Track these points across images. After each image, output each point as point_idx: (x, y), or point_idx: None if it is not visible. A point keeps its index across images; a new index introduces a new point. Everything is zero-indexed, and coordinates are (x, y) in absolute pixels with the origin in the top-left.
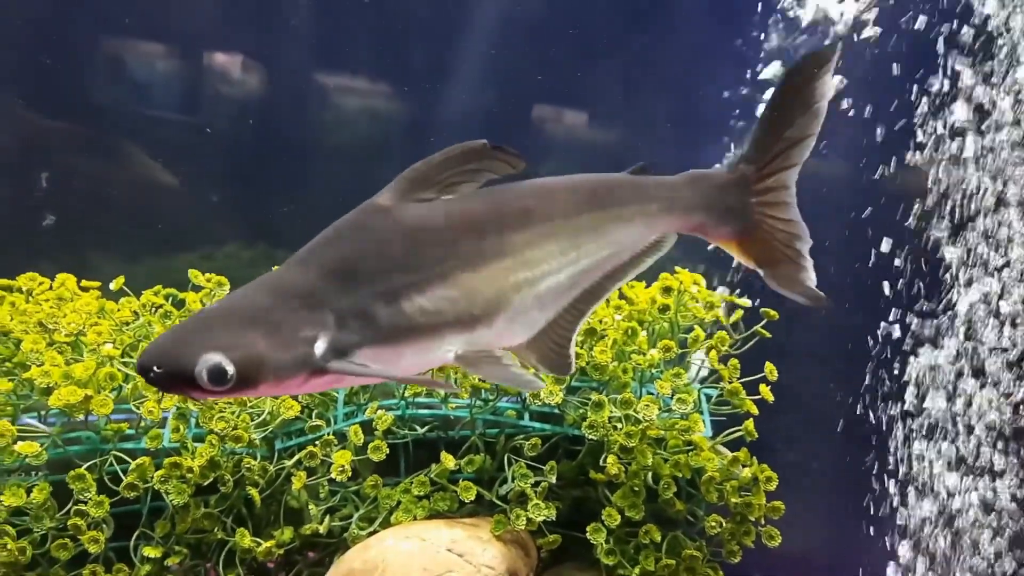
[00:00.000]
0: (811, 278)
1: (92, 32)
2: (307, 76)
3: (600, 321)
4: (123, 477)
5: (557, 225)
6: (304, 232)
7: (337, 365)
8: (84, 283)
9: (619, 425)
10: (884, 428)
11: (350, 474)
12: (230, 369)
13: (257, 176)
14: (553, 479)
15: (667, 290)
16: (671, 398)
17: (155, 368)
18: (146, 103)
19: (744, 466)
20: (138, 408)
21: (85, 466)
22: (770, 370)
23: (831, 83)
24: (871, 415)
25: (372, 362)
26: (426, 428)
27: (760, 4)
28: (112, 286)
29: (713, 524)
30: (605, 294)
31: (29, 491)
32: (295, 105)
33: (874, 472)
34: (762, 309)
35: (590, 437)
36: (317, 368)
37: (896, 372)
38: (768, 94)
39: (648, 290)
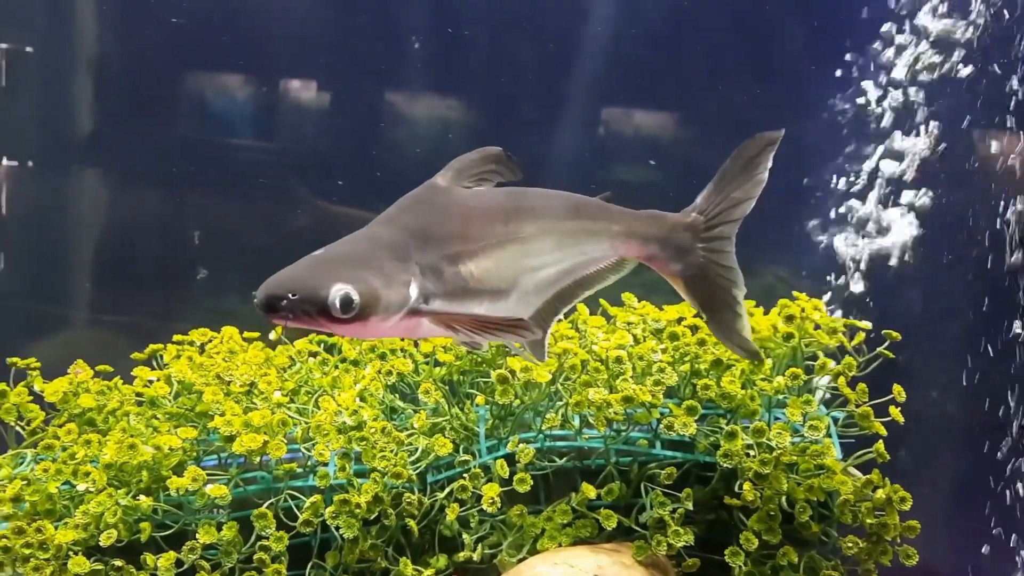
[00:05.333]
0: (746, 327)
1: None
2: (428, 113)
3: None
4: (295, 512)
5: (552, 225)
6: None
7: (429, 307)
8: (247, 334)
9: (752, 452)
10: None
11: (499, 505)
12: (356, 298)
13: None
14: (690, 506)
15: (789, 318)
16: (801, 424)
17: (290, 295)
18: (281, 151)
19: (876, 487)
20: (308, 450)
21: (265, 505)
22: (898, 391)
23: (770, 159)
24: (998, 431)
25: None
26: (564, 459)
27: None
28: (272, 335)
29: (851, 545)
30: (575, 299)
31: (219, 528)
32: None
33: (1000, 489)
34: (884, 331)
35: (724, 464)
36: (412, 309)
37: None
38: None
39: (768, 317)
